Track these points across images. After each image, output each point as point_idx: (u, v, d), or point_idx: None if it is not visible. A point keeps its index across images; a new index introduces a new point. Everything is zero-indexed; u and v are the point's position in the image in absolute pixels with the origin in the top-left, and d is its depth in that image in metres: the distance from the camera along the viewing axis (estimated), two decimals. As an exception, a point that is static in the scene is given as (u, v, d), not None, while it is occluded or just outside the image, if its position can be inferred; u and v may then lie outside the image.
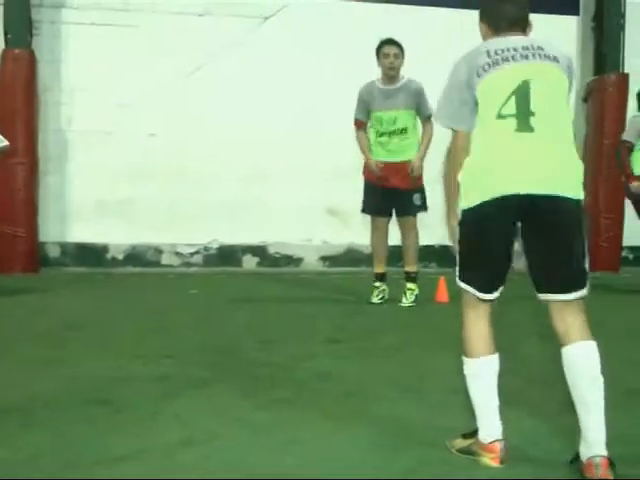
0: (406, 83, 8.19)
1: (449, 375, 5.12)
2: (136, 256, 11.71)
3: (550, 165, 3.33)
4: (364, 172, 8.41)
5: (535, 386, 4.82)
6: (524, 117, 3.34)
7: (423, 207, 8.35)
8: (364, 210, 8.47)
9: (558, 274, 3.37)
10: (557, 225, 3.34)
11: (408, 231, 8.37)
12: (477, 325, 3.55)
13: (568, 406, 4.10)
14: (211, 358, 5.70)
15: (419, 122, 8.28)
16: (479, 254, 3.46)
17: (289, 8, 11.82)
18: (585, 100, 12.56)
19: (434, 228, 11.98)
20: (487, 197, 3.34)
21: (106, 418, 4.18)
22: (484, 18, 3.69)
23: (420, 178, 8.23)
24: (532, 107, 3.36)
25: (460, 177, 3.46)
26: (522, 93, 3.37)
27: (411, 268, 8.40)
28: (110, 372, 5.21)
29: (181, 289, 9.52)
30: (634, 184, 9.61)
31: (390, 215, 8.41)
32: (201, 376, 5.13)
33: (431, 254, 11.73)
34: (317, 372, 5.28)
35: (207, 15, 11.64)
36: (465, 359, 3.58)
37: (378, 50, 8.21)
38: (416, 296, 8.29)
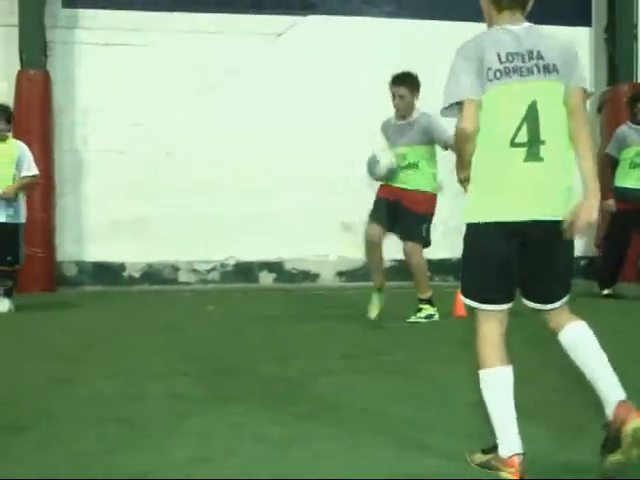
0: (417, 119, 8.07)
1: (468, 389, 5.10)
2: (153, 274, 11.74)
3: (555, 193, 3.47)
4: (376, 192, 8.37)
5: (551, 396, 4.80)
6: (535, 146, 3.46)
7: (427, 240, 8.18)
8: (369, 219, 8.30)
9: (553, 287, 3.57)
10: (555, 245, 3.51)
11: (409, 258, 8.18)
12: (490, 337, 3.57)
13: (586, 416, 4.09)
14: (227, 375, 5.70)
15: (433, 153, 8.16)
16: (482, 267, 3.54)
17: (301, 25, 11.87)
18: (599, 111, 12.55)
19: (451, 241, 12.03)
20: (493, 219, 3.47)
21: (122, 436, 4.17)
22: None
23: (429, 205, 8.14)
24: (542, 135, 3.47)
25: (469, 189, 3.56)
26: (532, 119, 3.47)
27: (420, 294, 8.24)
28: (126, 390, 5.22)
29: (198, 306, 9.53)
30: (608, 202, 9.67)
31: (388, 229, 8.21)
32: (218, 393, 5.13)
33: (448, 267, 11.72)
34: (334, 387, 5.27)
35: (220, 33, 11.69)
36: (480, 372, 3.58)
37: (389, 87, 8.14)
38: (428, 315, 8.13)
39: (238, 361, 6.22)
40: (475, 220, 3.52)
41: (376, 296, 8.25)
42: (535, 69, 3.52)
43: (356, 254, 11.93)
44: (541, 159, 3.46)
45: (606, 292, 9.89)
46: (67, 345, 6.95)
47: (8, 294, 8.94)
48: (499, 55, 3.53)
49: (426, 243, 8.23)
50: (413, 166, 8.09)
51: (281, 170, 11.62)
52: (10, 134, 9.17)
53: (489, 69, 3.51)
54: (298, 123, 11.57)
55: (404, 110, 8.09)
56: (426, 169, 8.12)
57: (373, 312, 8.23)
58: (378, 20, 12.04)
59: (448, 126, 7.90)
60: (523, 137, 3.47)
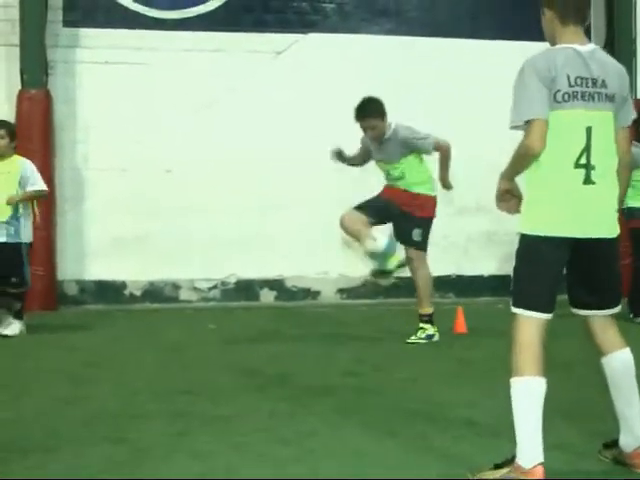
0: (392, 134, 7.95)
1: (468, 406, 5.11)
2: (154, 292, 11.73)
3: (604, 214, 3.74)
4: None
5: (557, 418, 4.80)
6: (589, 170, 3.68)
7: (421, 246, 8.04)
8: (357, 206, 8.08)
9: (609, 294, 3.87)
10: (607, 258, 3.82)
11: (411, 264, 8.03)
12: (530, 345, 3.66)
13: (590, 438, 4.10)
14: (229, 393, 5.70)
15: (417, 160, 8.08)
16: (539, 276, 3.71)
17: (301, 43, 11.91)
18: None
19: (452, 257, 12.04)
20: (551, 234, 3.67)
21: (125, 455, 4.18)
22: (553, 5, 3.80)
23: (427, 209, 8.06)
24: (592, 160, 3.68)
25: (528, 201, 3.74)
26: (587, 144, 3.67)
27: (421, 309, 8.03)
28: (128, 409, 5.22)
29: (199, 324, 9.52)
30: None
31: (376, 223, 8.01)
32: (220, 412, 5.13)
33: (448, 284, 11.72)
34: (336, 406, 5.27)
35: (220, 51, 11.73)
36: (513, 380, 3.63)
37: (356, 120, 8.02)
38: (428, 335, 7.90)
39: (240, 380, 6.22)
40: (538, 233, 3.68)
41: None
42: (597, 96, 3.69)
43: (357, 271, 11.93)
44: (593, 182, 3.68)
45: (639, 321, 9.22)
46: (70, 365, 6.95)
47: (18, 316, 8.70)
48: (569, 78, 3.66)
49: (418, 246, 8.05)
50: (399, 178, 8.03)
51: (281, 188, 11.62)
52: (12, 150, 9.03)
53: (558, 91, 3.65)
54: (298, 141, 11.57)
55: (380, 134, 7.97)
56: (414, 177, 8.04)
57: (393, 262, 7.91)
58: (378, 37, 12.07)
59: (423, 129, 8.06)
60: (583, 160, 3.67)
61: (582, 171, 3.66)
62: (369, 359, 7.09)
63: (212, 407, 5.26)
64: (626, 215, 9.46)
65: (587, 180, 3.67)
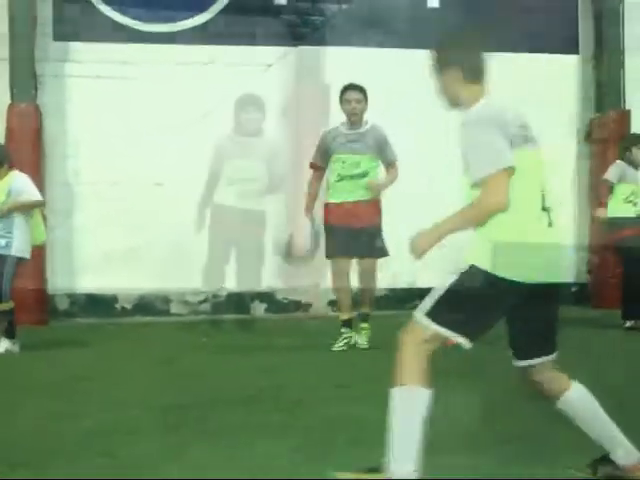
0: (371, 128, 8.22)
1: (460, 416, 5.11)
2: (145, 305, 11.71)
3: (560, 257, 3.77)
4: (324, 215, 8.41)
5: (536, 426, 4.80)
6: (548, 212, 3.67)
7: (384, 251, 8.32)
8: (328, 255, 8.38)
9: (551, 339, 3.81)
10: (556, 301, 3.80)
11: (368, 273, 8.30)
12: (424, 360, 3.80)
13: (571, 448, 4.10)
14: (222, 407, 5.69)
15: (378, 163, 8.32)
16: (484, 312, 3.64)
17: (291, 56, 11.93)
18: (587, 137, 12.61)
19: (445, 266, 12.01)
20: (518, 279, 3.55)
21: (119, 467, 4.17)
22: (461, 63, 3.81)
23: (377, 215, 8.26)
24: (546, 203, 3.67)
25: (496, 243, 3.61)
26: (542, 187, 3.67)
27: (366, 309, 8.41)
28: (120, 424, 5.21)
29: (190, 338, 9.50)
30: (599, 214, 9.74)
31: (353, 255, 8.34)
32: (212, 426, 5.12)
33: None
34: (328, 418, 5.27)
35: (210, 64, 11.74)
36: (395, 389, 3.76)
37: (341, 95, 8.28)
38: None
39: (232, 392, 6.21)
40: (503, 275, 3.55)
41: (346, 330, 8.34)
42: (530, 140, 3.69)
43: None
44: (551, 224, 3.66)
45: (628, 324, 9.16)
46: (61, 379, 6.92)
47: (6, 335, 8.50)
48: (514, 124, 3.65)
49: (384, 253, 8.34)
50: (362, 175, 8.15)
51: (270, 199, 11.61)
52: (6, 173, 8.92)
53: (514, 135, 3.62)
54: (290, 154, 11.58)
55: (361, 114, 8.19)
56: (373, 178, 8.22)
57: (337, 345, 8.28)
58: (368, 50, 12.09)
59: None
60: (546, 202, 3.65)
61: (546, 214, 3.65)
62: (360, 370, 7.10)
63: (205, 420, 5.25)
64: (617, 225, 9.54)
65: (550, 222, 3.66)
